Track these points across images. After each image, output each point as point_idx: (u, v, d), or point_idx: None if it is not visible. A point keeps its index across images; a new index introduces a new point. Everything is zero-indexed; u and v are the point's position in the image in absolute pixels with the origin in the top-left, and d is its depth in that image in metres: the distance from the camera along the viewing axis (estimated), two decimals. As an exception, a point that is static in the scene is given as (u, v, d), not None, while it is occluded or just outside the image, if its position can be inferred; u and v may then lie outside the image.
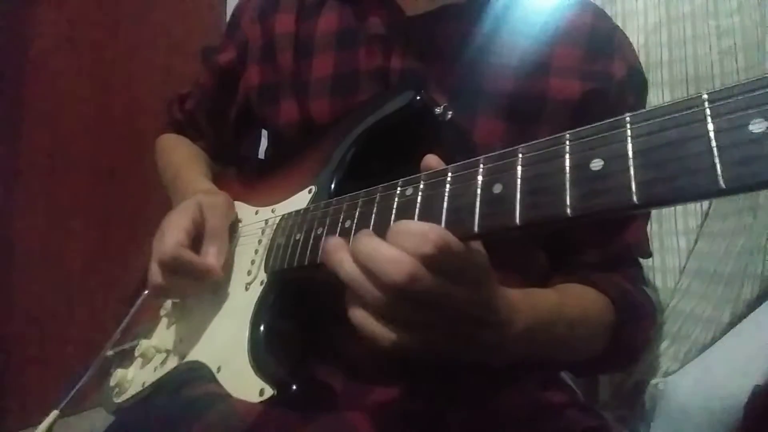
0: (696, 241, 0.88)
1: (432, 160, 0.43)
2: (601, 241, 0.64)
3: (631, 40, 0.71)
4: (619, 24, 0.84)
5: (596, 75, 0.63)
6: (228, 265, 0.65)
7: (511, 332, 0.43)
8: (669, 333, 0.85)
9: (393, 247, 0.36)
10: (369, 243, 0.38)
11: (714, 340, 0.80)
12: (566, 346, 0.55)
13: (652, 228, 0.90)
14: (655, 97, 0.93)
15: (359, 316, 0.39)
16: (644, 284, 0.69)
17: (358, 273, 0.38)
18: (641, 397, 0.84)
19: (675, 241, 0.90)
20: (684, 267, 0.88)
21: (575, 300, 0.56)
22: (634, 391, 0.86)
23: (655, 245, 0.90)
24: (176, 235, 0.60)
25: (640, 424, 0.83)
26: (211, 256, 0.62)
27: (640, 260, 0.70)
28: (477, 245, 0.39)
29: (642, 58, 0.76)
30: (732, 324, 0.80)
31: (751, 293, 0.79)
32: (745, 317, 0.79)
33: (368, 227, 0.44)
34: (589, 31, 0.65)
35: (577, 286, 0.60)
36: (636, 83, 0.67)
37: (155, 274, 0.60)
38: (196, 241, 0.62)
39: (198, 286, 0.63)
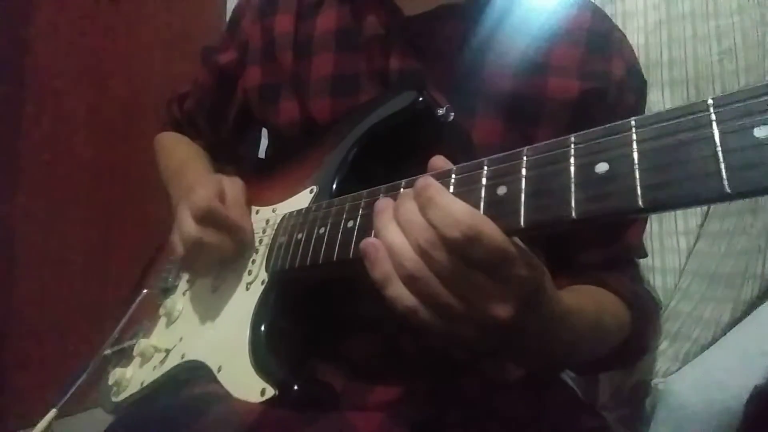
0: (696, 241, 0.88)
1: (440, 162, 0.43)
2: (603, 241, 0.64)
3: (631, 40, 0.71)
4: (619, 24, 0.84)
5: (595, 74, 0.63)
6: (229, 265, 0.65)
7: (541, 340, 0.41)
8: (669, 333, 0.85)
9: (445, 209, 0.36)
10: (411, 206, 0.38)
11: (714, 340, 0.80)
12: (585, 350, 0.55)
13: (652, 228, 0.90)
14: (655, 98, 0.92)
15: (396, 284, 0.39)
16: (644, 282, 0.69)
17: (400, 235, 0.38)
18: (641, 397, 0.84)
19: (675, 241, 0.89)
20: (684, 267, 0.88)
21: (594, 303, 0.55)
22: (634, 391, 0.86)
23: (655, 245, 0.90)
24: (209, 190, 0.62)
25: (640, 424, 0.83)
26: (239, 217, 0.63)
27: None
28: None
29: (642, 58, 0.76)
30: (732, 324, 0.80)
31: (751, 293, 0.79)
32: (745, 317, 0.79)
33: (371, 229, 0.44)
34: (588, 31, 0.65)
35: (592, 288, 0.60)
36: (635, 83, 0.67)
37: (189, 227, 0.61)
38: None
39: (228, 248, 0.62)
